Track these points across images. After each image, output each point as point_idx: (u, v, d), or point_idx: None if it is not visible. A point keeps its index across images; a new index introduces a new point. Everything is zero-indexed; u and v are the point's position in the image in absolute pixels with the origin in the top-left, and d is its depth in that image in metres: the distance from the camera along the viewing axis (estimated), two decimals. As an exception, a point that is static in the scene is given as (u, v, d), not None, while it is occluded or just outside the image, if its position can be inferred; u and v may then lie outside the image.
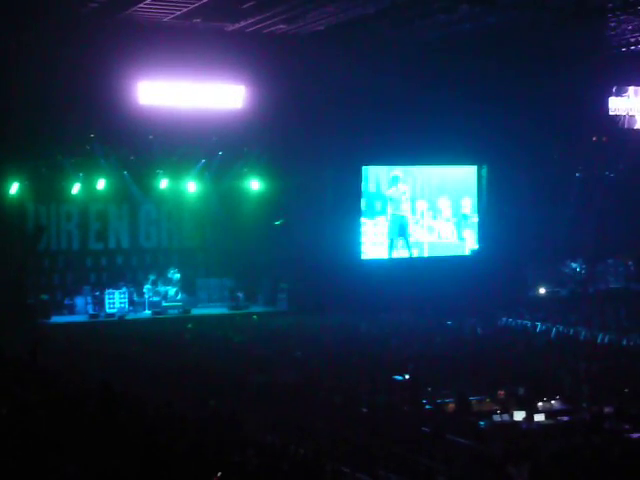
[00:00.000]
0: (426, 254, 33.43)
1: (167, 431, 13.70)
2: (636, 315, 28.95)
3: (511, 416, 17.81)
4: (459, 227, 34.04)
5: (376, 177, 32.90)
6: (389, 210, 32.92)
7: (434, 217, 33.44)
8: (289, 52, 29.58)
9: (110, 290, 30.60)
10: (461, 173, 34.45)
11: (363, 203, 32.64)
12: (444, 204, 33.59)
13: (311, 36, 29.59)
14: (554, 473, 14.05)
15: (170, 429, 13.98)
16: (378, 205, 32.78)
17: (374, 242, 32.71)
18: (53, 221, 31.30)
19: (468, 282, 31.87)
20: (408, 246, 33.15)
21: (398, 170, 33.05)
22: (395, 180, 32.99)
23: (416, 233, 33.09)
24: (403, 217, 32.98)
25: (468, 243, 34.12)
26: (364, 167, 32.94)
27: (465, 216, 34.18)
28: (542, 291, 34.79)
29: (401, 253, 33.02)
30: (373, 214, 32.78)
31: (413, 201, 33.23)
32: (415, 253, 33.12)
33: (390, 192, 32.94)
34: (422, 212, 33.22)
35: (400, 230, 32.93)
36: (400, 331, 27.44)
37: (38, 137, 28.44)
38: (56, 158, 29.56)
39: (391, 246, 32.95)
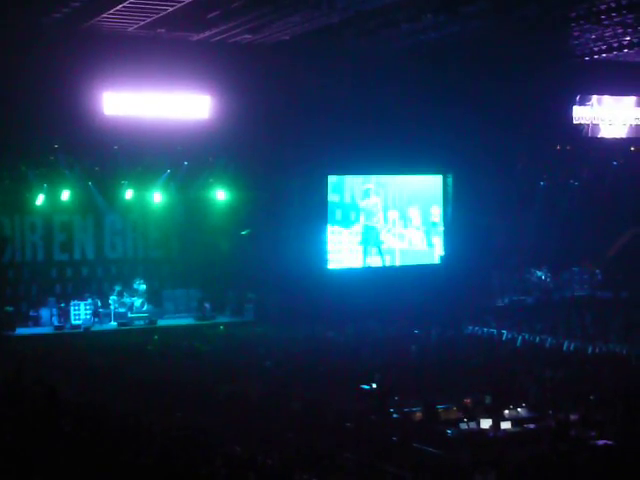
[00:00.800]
0: (398, 260, 34.16)
1: (134, 443, 13.63)
2: (601, 322, 29.14)
3: (478, 424, 17.87)
4: (428, 234, 34.76)
5: (351, 189, 33.58)
6: (361, 220, 33.58)
7: (405, 226, 34.34)
8: (254, 62, 29.57)
9: (75, 301, 30.39)
10: (430, 183, 34.93)
11: (339, 213, 33.40)
12: (414, 213, 34.49)
13: (276, 46, 29.61)
14: (521, 481, 14.11)
15: (137, 441, 13.91)
16: (353, 215, 33.61)
17: (350, 250, 33.54)
18: (17, 232, 31.07)
19: (435, 291, 32.05)
20: (381, 253, 34.00)
21: (371, 184, 33.83)
22: (367, 193, 33.76)
23: (388, 241, 33.93)
24: (374, 227, 33.80)
25: (437, 250, 34.76)
26: (339, 177, 33.51)
27: (434, 224, 35.05)
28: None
29: (375, 260, 33.81)
30: (349, 223, 33.52)
31: (385, 211, 34.05)
32: (387, 260, 33.75)
33: (363, 204, 33.59)
34: (394, 221, 34.11)
35: (372, 239, 33.73)
36: (367, 340, 27.46)
37: (1, 148, 28.24)
38: (20, 169, 29.35)
39: (365, 253, 33.62)
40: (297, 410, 18.76)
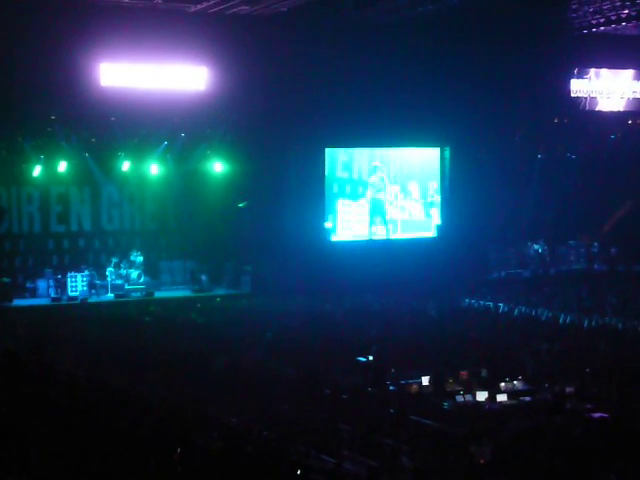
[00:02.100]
0: (399, 230, 34.92)
1: (130, 414, 13.66)
2: (597, 296, 29.19)
3: (474, 397, 17.92)
4: (426, 207, 35.25)
5: (359, 165, 34.37)
6: (369, 194, 34.43)
7: (405, 198, 35.08)
8: (252, 33, 29.46)
9: (72, 273, 30.39)
10: (428, 159, 35.22)
11: (348, 188, 34.25)
12: (413, 187, 35.19)
13: (274, 17, 29.47)
14: (516, 453, 14.15)
15: (133, 412, 13.94)
16: (360, 189, 34.48)
17: (358, 220, 34.52)
18: (14, 204, 31.03)
19: (432, 264, 32.20)
20: (385, 223, 34.76)
21: (377, 161, 34.53)
22: (375, 169, 34.58)
23: (391, 212, 34.86)
24: (380, 200, 34.61)
25: (434, 220, 35.32)
26: (349, 155, 34.08)
27: (432, 201, 35.42)
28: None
29: (380, 229, 34.75)
30: (356, 197, 34.40)
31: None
32: (391, 229, 34.69)
33: (371, 179, 34.48)
34: (395, 195, 34.92)
35: (378, 211, 34.64)
36: (364, 313, 27.48)
37: (-2, 119, 28.21)
38: (17, 140, 29.29)
39: (371, 224, 34.61)
40: (293, 380, 18.78)
